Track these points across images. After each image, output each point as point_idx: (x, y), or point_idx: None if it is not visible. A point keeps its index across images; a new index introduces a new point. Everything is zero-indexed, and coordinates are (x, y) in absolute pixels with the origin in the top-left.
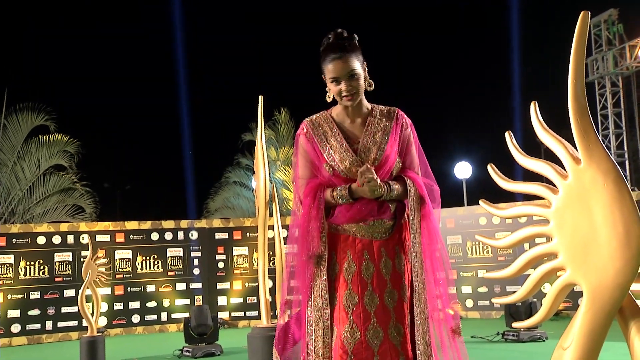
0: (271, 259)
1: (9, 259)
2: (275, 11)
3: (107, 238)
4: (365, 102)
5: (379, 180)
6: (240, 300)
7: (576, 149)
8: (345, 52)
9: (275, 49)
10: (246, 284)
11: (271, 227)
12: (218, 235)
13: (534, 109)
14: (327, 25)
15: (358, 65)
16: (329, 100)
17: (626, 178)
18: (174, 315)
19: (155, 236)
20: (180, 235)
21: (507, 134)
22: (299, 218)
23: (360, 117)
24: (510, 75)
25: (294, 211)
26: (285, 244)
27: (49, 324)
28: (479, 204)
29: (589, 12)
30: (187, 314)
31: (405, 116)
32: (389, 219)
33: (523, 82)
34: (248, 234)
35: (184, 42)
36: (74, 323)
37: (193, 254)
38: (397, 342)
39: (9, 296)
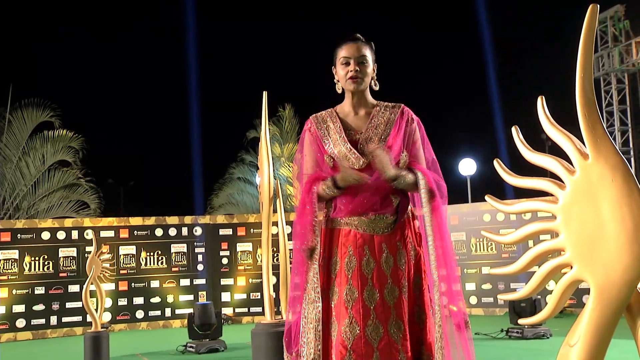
0: (275, 255)
1: (14, 254)
2: (280, 6)
3: (111, 234)
4: (370, 98)
5: (389, 155)
6: (244, 296)
7: (584, 143)
8: (359, 41)
9: (280, 45)
10: (250, 280)
11: (275, 224)
12: (222, 232)
13: (540, 103)
14: (332, 21)
15: (369, 55)
16: (339, 91)
17: None
18: (177, 311)
19: (159, 232)
20: (184, 231)
21: (513, 129)
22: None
23: (364, 111)
24: (516, 72)
25: (296, 207)
26: (289, 240)
27: (53, 319)
28: (483, 201)
29: (598, 5)
30: (191, 310)
31: (411, 112)
32: (391, 214)
33: (526, 80)
34: (252, 230)
35: (191, 39)
36: (79, 318)
37: (197, 250)
38: (396, 338)
39: (14, 291)
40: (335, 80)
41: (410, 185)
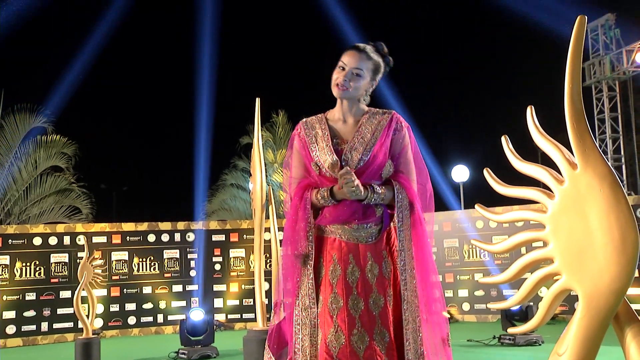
0: (267, 261)
1: (5, 259)
2: (273, 12)
3: (103, 239)
4: (362, 105)
5: (357, 182)
6: (237, 302)
7: (572, 153)
8: (364, 53)
9: (274, 50)
10: (242, 286)
11: (267, 230)
12: (215, 237)
13: (530, 113)
14: (327, 27)
15: (367, 71)
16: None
17: (622, 182)
18: (170, 317)
19: (151, 238)
20: (177, 237)
21: (503, 138)
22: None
23: (353, 119)
24: (507, 77)
25: (287, 213)
26: (281, 246)
27: (44, 326)
28: (475, 208)
29: (586, 17)
30: (183, 316)
31: (402, 119)
32: (374, 224)
33: (521, 85)
34: (245, 236)
35: (182, 45)
36: (70, 324)
37: (190, 256)
38: (382, 347)
39: (5, 297)
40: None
41: (386, 200)
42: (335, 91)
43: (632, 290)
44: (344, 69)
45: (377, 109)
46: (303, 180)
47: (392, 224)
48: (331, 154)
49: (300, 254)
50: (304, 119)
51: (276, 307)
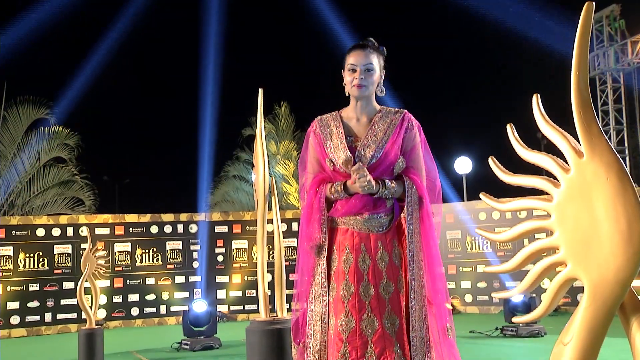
0: (270, 252)
1: (9, 250)
2: (276, 5)
3: (106, 231)
4: (374, 104)
5: (369, 177)
6: (239, 293)
7: (579, 142)
8: (368, 48)
9: (276, 42)
10: (245, 278)
11: (270, 221)
12: (217, 229)
13: (535, 101)
14: (328, 19)
15: (376, 63)
16: (347, 95)
17: None
18: (173, 308)
19: (154, 229)
20: (180, 228)
21: (508, 127)
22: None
23: (366, 117)
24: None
25: (303, 208)
26: (284, 237)
27: (48, 316)
28: (478, 199)
29: (593, 3)
30: (186, 307)
31: (413, 118)
32: (385, 214)
33: (526, 74)
34: (247, 227)
35: (185, 36)
36: (73, 315)
37: (192, 247)
38: (391, 331)
39: (8, 288)
40: (343, 84)
41: (397, 194)
42: (354, 92)
43: (638, 282)
44: (354, 70)
45: (390, 108)
46: (318, 175)
47: (402, 215)
48: (345, 151)
49: (315, 245)
50: (319, 117)
51: (295, 299)
